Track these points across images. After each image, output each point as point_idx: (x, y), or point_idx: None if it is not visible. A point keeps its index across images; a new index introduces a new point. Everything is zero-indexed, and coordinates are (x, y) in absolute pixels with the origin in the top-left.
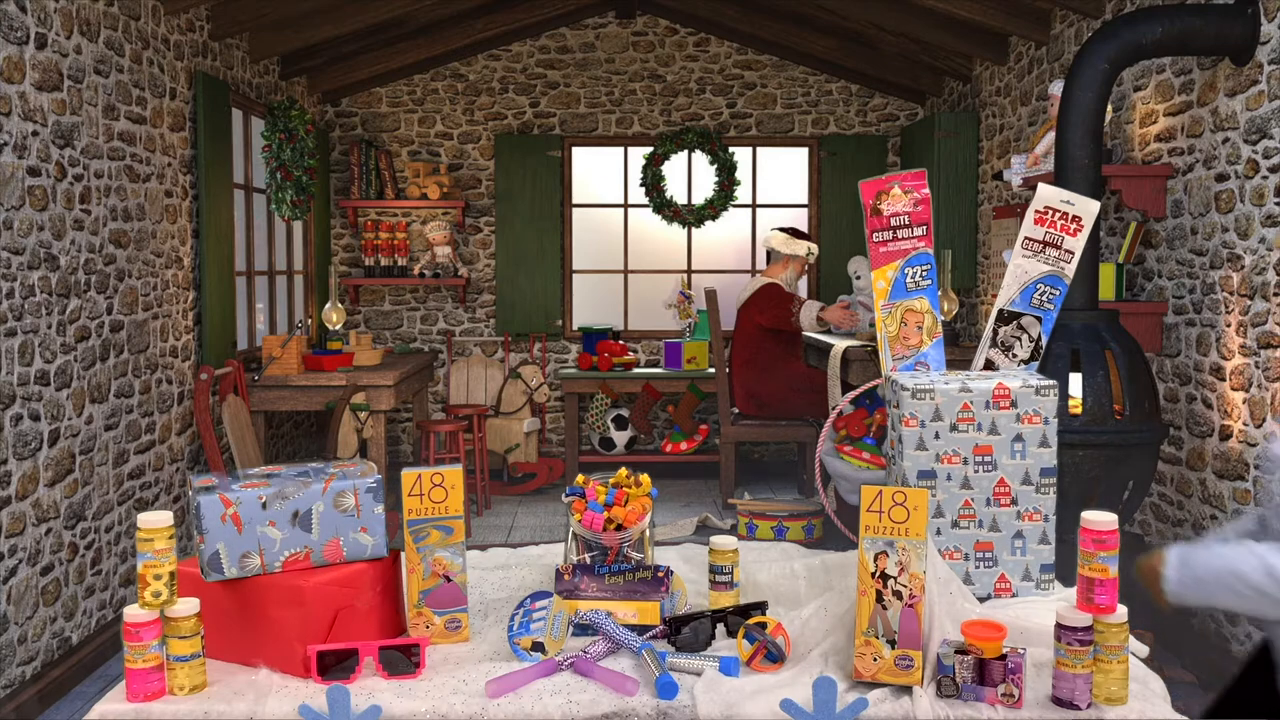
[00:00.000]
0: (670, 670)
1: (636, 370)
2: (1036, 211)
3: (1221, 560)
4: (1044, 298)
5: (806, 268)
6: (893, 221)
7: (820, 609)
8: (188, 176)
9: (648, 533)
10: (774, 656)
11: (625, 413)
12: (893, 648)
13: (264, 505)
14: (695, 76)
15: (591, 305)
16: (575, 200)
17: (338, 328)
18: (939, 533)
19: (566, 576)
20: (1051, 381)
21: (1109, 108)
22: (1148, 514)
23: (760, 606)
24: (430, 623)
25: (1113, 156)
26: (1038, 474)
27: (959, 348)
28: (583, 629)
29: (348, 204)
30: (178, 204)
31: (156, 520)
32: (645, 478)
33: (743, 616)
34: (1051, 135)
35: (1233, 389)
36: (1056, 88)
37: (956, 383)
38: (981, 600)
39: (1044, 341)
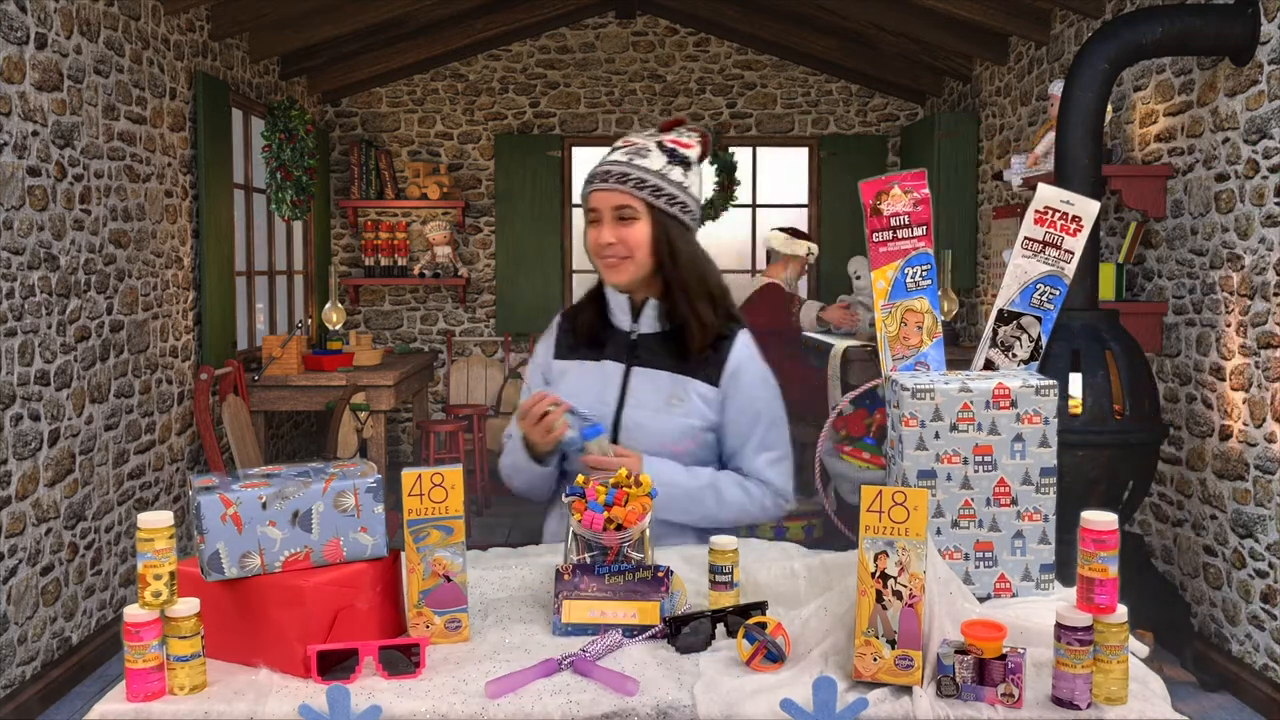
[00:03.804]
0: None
1: None
2: (1036, 211)
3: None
4: (1044, 298)
5: (806, 267)
6: (893, 221)
7: (820, 609)
8: (188, 176)
9: (648, 533)
10: (774, 656)
11: None
12: (893, 648)
13: (264, 505)
14: (695, 76)
15: None
16: (575, 200)
17: (338, 328)
18: (939, 533)
19: (566, 576)
20: (1051, 381)
21: (1109, 108)
22: (1148, 514)
23: (760, 606)
24: (430, 623)
25: (1113, 156)
26: (1038, 474)
27: (959, 348)
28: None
29: (348, 204)
30: (178, 204)
31: (156, 520)
32: (646, 478)
33: (743, 616)
34: (1051, 135)
35: (1233, 389)
36: (1056, 88)
37: (956, 383)
38: (981, 600)
39: (1044, 341)
